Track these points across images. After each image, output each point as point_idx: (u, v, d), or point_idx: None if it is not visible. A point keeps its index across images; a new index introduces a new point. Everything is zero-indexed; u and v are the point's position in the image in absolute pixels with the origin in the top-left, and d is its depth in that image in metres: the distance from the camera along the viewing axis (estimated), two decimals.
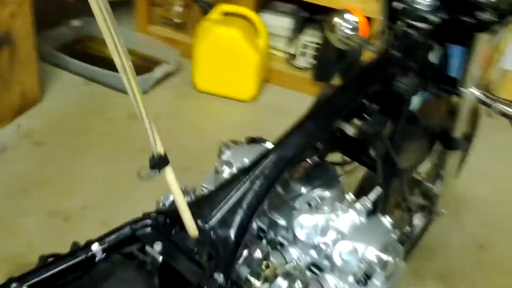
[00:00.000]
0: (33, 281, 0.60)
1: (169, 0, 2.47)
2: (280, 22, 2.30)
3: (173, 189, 0.64)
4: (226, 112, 2.24)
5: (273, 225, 0.84)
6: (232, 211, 0.70)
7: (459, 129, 1.09)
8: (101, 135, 1.97)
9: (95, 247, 0.65)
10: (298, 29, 2.36)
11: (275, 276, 0.70)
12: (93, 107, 2.12)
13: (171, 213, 0.69)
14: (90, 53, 2.38)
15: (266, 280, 0.71)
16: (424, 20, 0.84)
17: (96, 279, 0.62)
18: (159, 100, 2.21)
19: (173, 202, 0.71)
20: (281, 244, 0.83)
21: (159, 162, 0.61)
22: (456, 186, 1.89)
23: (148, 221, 0.68)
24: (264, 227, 0.84)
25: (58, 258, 0.64)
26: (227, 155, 0.87)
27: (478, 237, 1.78)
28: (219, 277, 0.64)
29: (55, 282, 0.62)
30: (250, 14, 2.18)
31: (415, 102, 0.98)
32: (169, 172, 0.63)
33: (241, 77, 2.20)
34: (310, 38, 2.28)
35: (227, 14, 2.19)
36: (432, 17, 0.84)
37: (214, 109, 2.24)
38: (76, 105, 2.11)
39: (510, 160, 2.15)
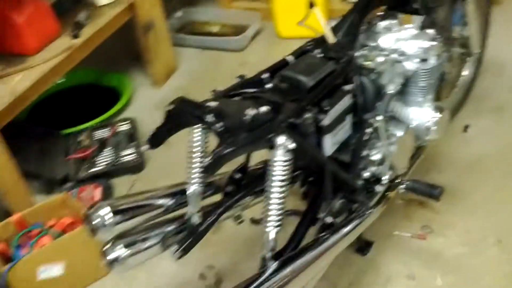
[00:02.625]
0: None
1: None
2: None
3: (321, 22, 1.36)
4: None
5: (371, 49, 1.52)
6: (349, 27, 1.42)
7: None
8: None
9: (289, 58, 1.38)
10: None
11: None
12: (213, 64, 2.91)
13: (321, 37, 1.41)
14: (195, 32, 3.17)
15: (370, 60, 1.41)
16: None
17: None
18: (255, 52, 2.95)
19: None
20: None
21: None
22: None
23: (312, 42, 1.41)
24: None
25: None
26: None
27: None
28: (349, 53, 1.36)
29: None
30: None
31: None
32: (317, 11, 1.36)
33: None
34: None
35: None
36: None
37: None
38: (202, 66, 2.90)
39: None
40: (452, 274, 1.60)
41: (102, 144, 2.27)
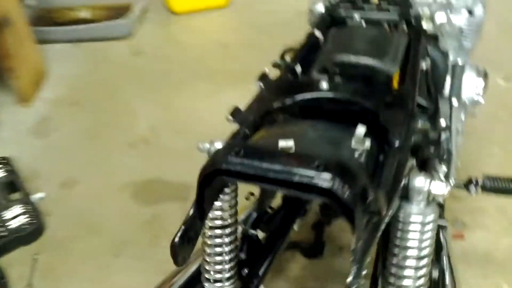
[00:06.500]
0: None
1: None
2: None
3: None
4: (209, 20, 2.44)
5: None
6: None
7: None
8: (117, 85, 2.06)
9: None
10: None
11: None
12: (95, 60, 2.20)
13: None
14: (60, 21, 2.39)
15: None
16: None
17: None
18: (147, 33, 2.31)
19: None
20: None
21: None
22: None
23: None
24: None
25: None
26: None
27: None
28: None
29: None
30: None
31: None
32: None
33: None
34: None
35: None
36: None
37: (198, 22, 2.41)
38: (80, 65, 2.17)
39: None
40: None
41: None
